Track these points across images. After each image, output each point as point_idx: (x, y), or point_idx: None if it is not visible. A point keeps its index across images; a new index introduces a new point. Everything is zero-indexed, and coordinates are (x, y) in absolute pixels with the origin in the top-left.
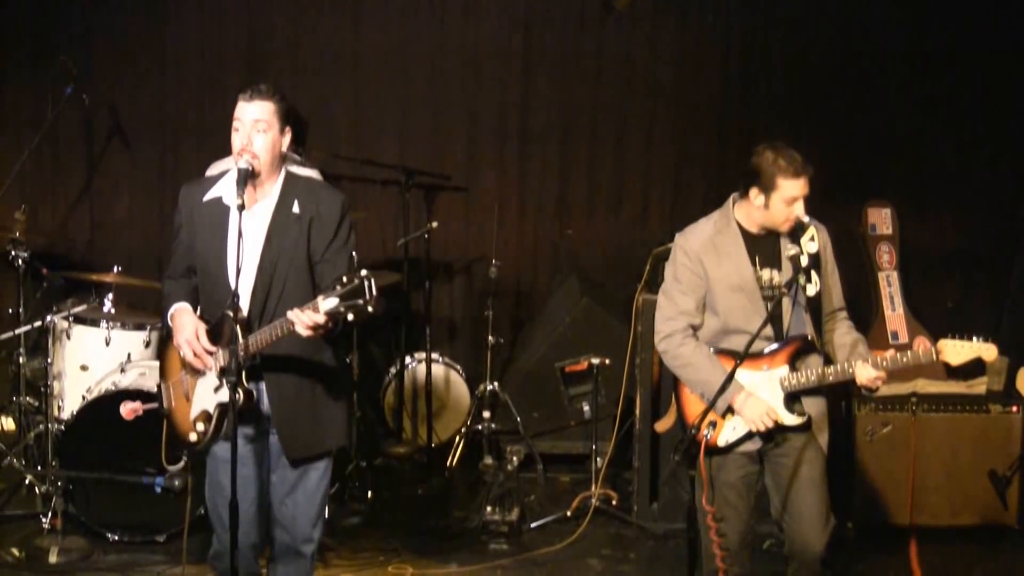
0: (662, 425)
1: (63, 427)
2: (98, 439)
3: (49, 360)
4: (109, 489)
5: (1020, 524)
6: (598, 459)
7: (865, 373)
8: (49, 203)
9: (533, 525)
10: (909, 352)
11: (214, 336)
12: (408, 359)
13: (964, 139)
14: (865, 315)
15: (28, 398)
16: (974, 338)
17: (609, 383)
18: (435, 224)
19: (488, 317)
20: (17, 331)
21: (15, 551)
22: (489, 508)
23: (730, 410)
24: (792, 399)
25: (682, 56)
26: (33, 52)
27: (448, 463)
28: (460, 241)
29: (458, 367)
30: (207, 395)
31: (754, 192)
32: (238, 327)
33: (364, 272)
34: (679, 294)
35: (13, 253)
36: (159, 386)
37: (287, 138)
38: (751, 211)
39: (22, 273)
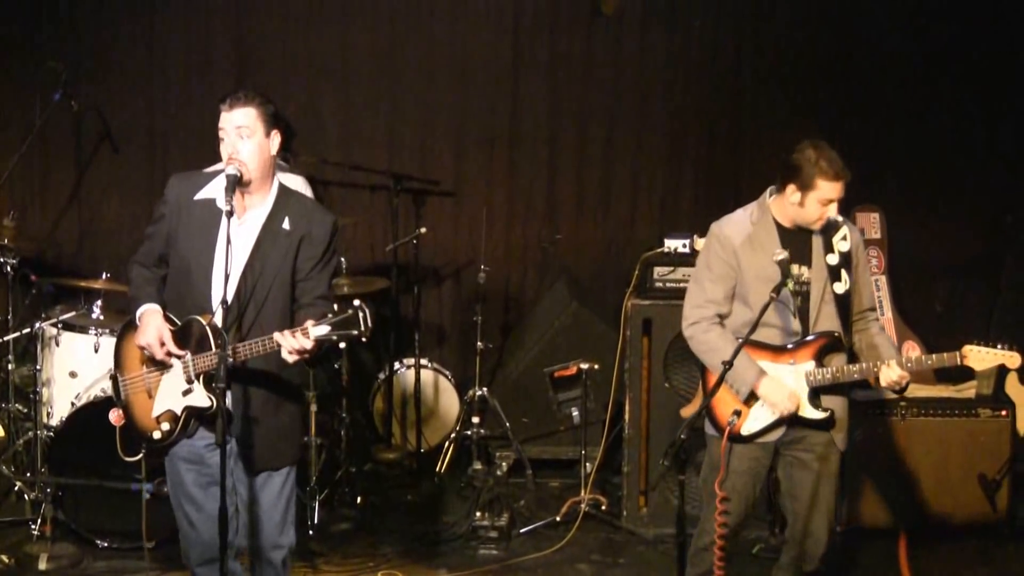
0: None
1: (52, 434)
2: (87, 446)
3: (38, 367)
4: (98, 495)
5: (1010, 527)
6: (587, 464)
7: (889, 375)
8: (38, 209)
9: (523, 530)
10: (934, 355)
11: (182, 337)
12: (397, 365)
13: (952, 144)
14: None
15: (17, 405)
16: (998, 345)
17: (598, 388)
18: (424, 229)
19: (477, 322)
20: (6, 338)
21: (5, 558)
22: (479, 513)
23: (753, 396)
24: (815, 395)
25: (671, 60)
26: (21, 57)
27: (437, 468)
28: (449, 246)
29: (447, 372)
30: (173, 395)
31: (791, 188)
32: (213, 333)
33: (357, 303)
34: (709, 282)
35: (2, 260)
36: (114, 377)
37: (276, 141)
38: (786, 206)
39: (11, 280)
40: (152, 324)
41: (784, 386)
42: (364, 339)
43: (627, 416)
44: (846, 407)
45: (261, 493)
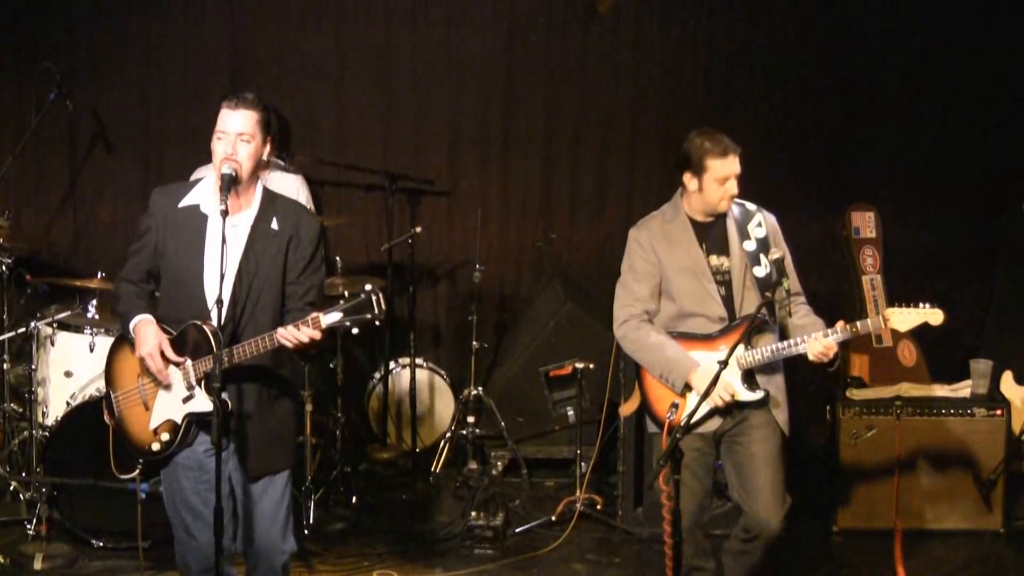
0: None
1: (47, 433)
2: (83, 445)
3: (33, 366)
4: (94, 495)
5: (1005, 527)
6: (583, 464)
7: (815, 347)
8: (33, 209)
9: (518, 530)
10: (858, 322)
11: (179, 345)
12: (392, 364)
13: (947, 142)
14: (849, 318)
15: (12, 404)
16: (921, 304)
17: (593, 387)
18: (419, 229)
19: (472, 322)
20: (1, 337)
21: (0, 557)
22: (474, 513)
23: (687, 387)
24: (749, 376)
25: (665, 60)
26: (16, 57)
27: (433, 468)
28: (444, 246)
29: (442, 372)
30: (173, 404)
31: (687, 177)
32: (212, 336)
33: (369, 287)
34: (633, 282)
35: None
36: (107, 396)
37: (267, 147)
38: (690, 199)
39: (6, 279)
40: (151, 334)
41: (718, 380)
42: (378, 322)
43: (622, 415)
44: (782, 386)
45: (262, 500)
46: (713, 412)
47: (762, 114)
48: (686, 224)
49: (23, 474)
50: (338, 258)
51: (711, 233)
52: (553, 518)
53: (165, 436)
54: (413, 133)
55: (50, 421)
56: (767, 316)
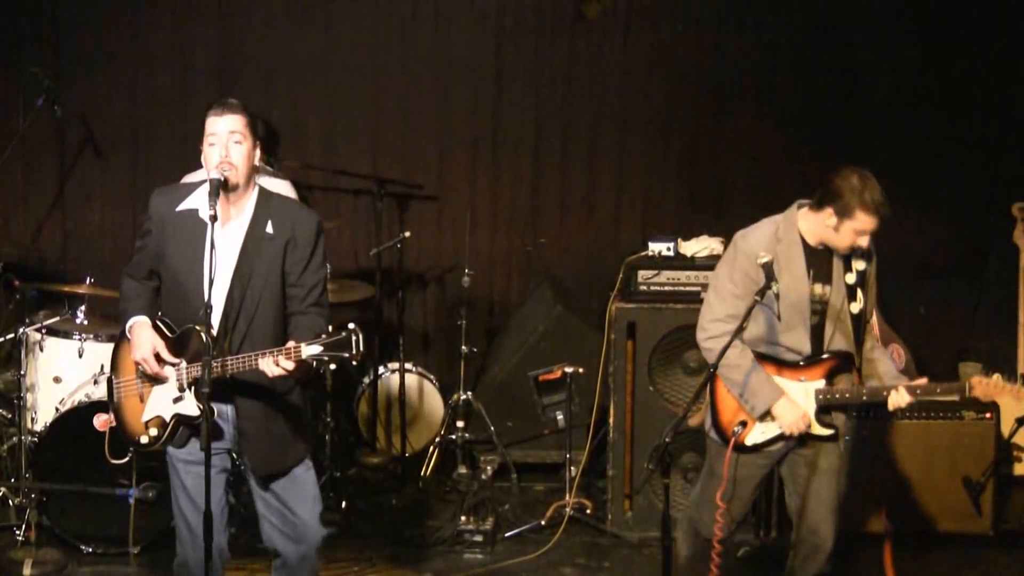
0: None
1: (36, 439)
2: (72, 451)
3: (22, 372)
4: (83, 501)
5: (994, 530)
6: (572, 468)
7: (897, 400)
8: (21, 214)
9: (508, 534)
10: (943, 384)
11: (178, 347)
12: (382, 369)
13: (935, 145)
14: None
15: (1, 410)
16: (1010, 379)
17: (583, 392)
18: (408, 234)
19: (461, 326)
20: None
21: None
22: (463, 517)
23: (767, 414)
24: (824, 412)
25: (653, 64)
26: (4, 63)
27: (422, 473)
28: (433, 250)
29: (431, 377)
30: (164, 402)
31: (828, 211)
32: (209, 340)
33: (352, 326)
34: (732, 297)
35: None
36: (109, 380)
37: (257, 152)
38: (817, 226)
39: None
40: (145, 338)
41: (798, 407)
42: (354, 362)
43: (612, 420)
44: (845, 418)
45: (296, 497)
46: (780, 436)
47: (751, 119)
48: (799, 247)
49: (12, 480)
50: (327, 273)
51: (819, 259)
52: (543, 522)
53: (154, 431)
54: (402, 137)
55: (39, 427)
56: (855, 355)
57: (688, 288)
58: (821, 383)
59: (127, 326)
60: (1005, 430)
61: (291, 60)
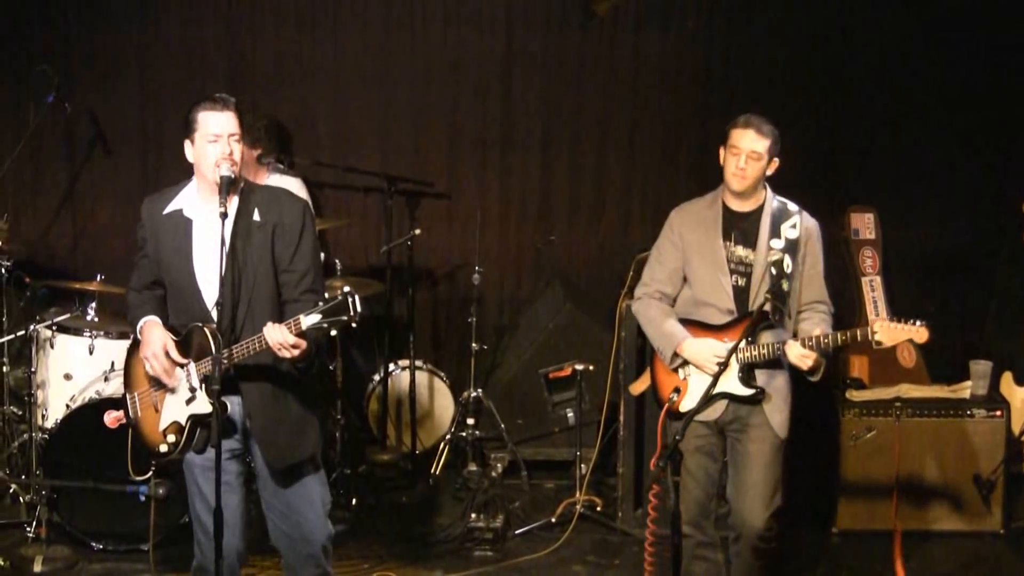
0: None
1: (47, 436)
2: (82, 448)
3: (32, 369)
4: (93, 498)
5: (1004, 528)
6: (582, 465)
7: (793, 352)
8: (31, 211)
9: (517, 532)
10: (838, 333)
11: (185, 347)
12: (392, 366)
13: (946, 143)
14: (849, 320)
15: (12, 407)
16: (911, 321)
17: (593, 389)
18: (418, 231)
19: (472, 324)
20: (0, 340)
21: (0, 560)
22: (473, 515)
23: (677, 358)
24: (748, 372)
25: (664, 61)
26: (14, 61)
27: (432, 470)
28: (443, 248)
29: (442, 374)
30: (178, 406)
31: (721, 151)
32: (212, 338)
33: (347, 288)
34: (656, 262)
35: None
36: (124, 396)
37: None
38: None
39: (5, 282)
40: (155, 335)
41: (705, 345)
42: (353, 324)
43: (622, 417)
44: (784, 388)
45: (294, 486)
46: (712, 398)
47: (760, 115)
48: (718, 211)
49: (23, 477)
50: (337, 260)
51: (742, 224)
52: (553, 520)
53: (171, 438)
54: (412, 135)
55: (49, 424)
56: (775, 314)
57: None
58: (742, 343)
59: (138, 328)
60: (1015, 427)
61: (301, 58)
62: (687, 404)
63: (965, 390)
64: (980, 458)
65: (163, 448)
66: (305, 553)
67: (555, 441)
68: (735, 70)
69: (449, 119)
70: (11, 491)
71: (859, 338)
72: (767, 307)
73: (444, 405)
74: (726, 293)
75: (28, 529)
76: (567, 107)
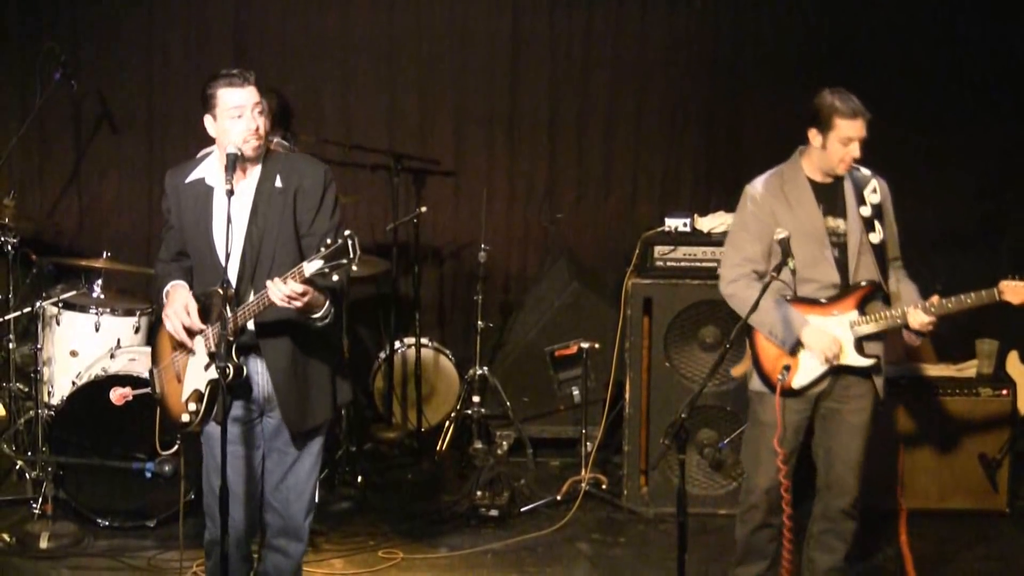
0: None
1: (53, 413)
2: (88, 425)
3: (39, 346)
4: (99, 475)
5: (1010, 507)
6: (588, 443)
7: (915, 319)
8: (38, 189)
9: (523, 509)
10: (962, 296)
11: (204, 315)
12: (397, 344)
13: (951, 119)
14: None
15: (18, 384)
16: None
17: (599, 367)
18: (424, 209)
19: (478, 301)
20: (6, 317)
21: (6, 536)
22: (479, 493)
23: (799, 345)
24: (860, 343)
25: (671, 40)
26: (20, 38)
27: (438, 448)
28: (449, 226)
29: (448, 352)
30: (198, 374)
31: (813, 133)
32: (227, 307)
33: (348, 232)
34: (746, 241)
35: (2, 239)
36: (151, 371)
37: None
38: (814, 156)
39: (11, 259)
40: (179, 295)
41: (826, 333)
42: (354, 267)
43: (627, 395)
44: (883, 351)
45: (291, 472)
46: (825, 374)
47: (767, 94)
48: (805, 184)
49: (29, 453)
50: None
51: (829, 195)
52: (558, 497)
53: (192, 406)
54: (418, 113)
55: (55, 401)
56: (883, 283)
57: (704, 264)
58: (854, 314)
59: (164, 293)
60: (1022, 407)
61: (307, 35)
62: (800, 380)
63: (971, 369)
64: (986, 437)
65: (185, 418)
66: (287, 534)
67: (561, 419)
68: (742, 49)
69: (456, 97)
70: (17, 468)
71: (985, 299)
72: (876, 279)
73: (450, 383)
74: (831, 266)
75: (34, 506)
76: (574, 85)
